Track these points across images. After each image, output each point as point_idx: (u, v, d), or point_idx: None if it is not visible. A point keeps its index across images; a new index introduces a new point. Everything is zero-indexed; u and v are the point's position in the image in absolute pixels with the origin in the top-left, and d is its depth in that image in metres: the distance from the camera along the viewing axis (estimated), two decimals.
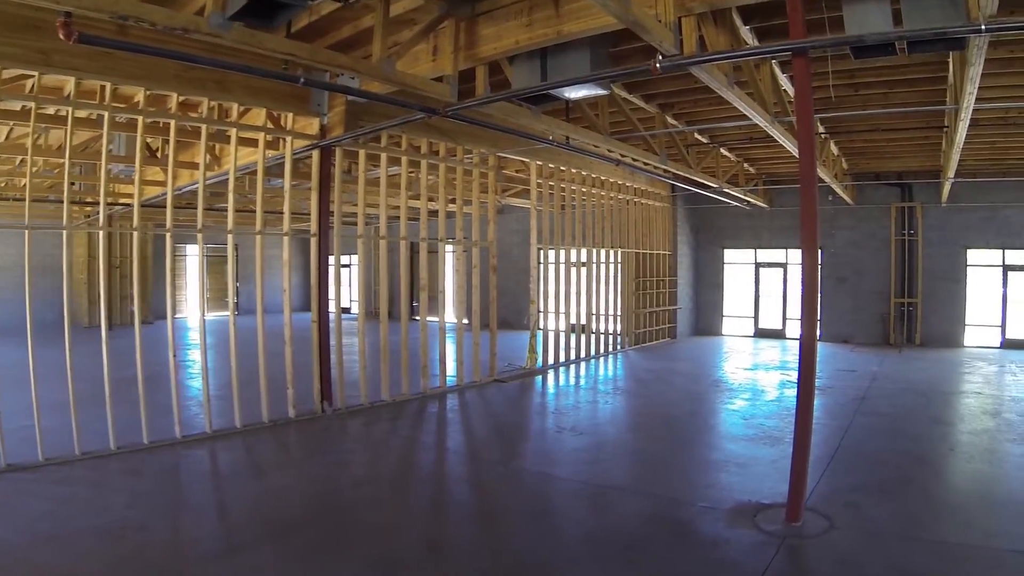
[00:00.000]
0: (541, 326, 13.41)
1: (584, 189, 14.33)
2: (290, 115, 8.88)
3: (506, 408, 9.87)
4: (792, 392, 10.40)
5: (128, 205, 17.85)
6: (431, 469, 7.17)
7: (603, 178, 14.98)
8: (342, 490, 6.25)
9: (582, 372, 13.02)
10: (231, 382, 8.27)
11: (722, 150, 13.84)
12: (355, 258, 28.96)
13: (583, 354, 14.41)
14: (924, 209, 17.16)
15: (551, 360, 13.31)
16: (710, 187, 14.51)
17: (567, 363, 13.68)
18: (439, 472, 7.04)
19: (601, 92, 6.63)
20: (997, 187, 16.06)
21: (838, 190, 14.99)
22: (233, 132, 8.71)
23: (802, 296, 5.43)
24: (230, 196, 8.81)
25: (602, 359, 14.74)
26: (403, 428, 8.62)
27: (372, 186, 12.83)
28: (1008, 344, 16.47)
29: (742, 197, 16.34)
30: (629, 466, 7.07)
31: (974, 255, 16.87)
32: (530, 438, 8.35)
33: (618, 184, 15.74)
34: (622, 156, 11.48)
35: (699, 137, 12.53)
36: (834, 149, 12.91)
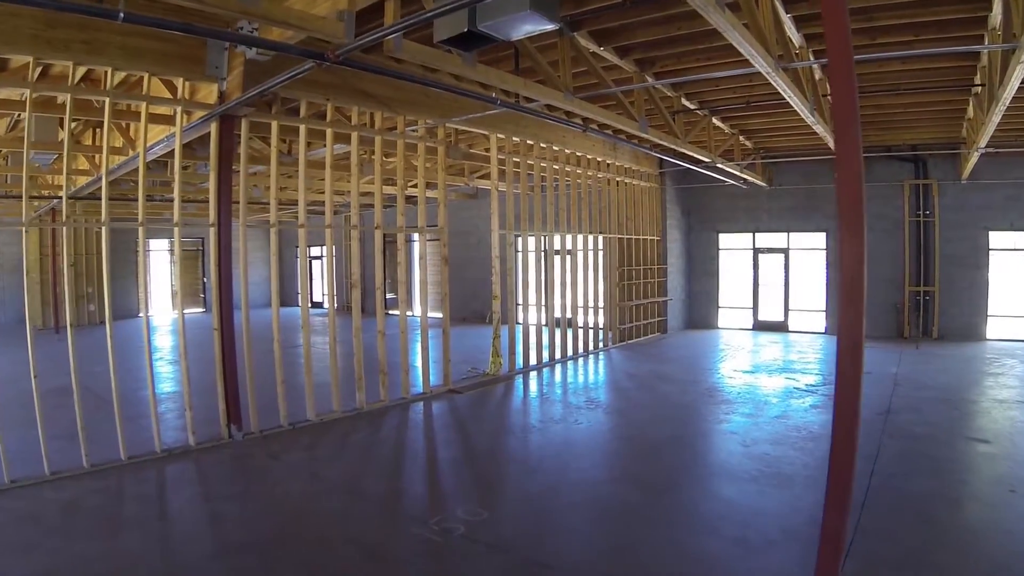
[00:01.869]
0: (520, 320, 12.05)
1: (558, 167, 12.92)
2: (182, 82, 7.43)
3: (452, 432, 8.46)
4: (801, 403, 9.15)
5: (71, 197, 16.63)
6: (328, 528, 5.37)
7: (580, 154, 13.58)
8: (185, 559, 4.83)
9: (555, 378, 11.66)
10: (149, 397, 7.14)
11: (715, 120, 12.42)
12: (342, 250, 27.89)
13: (559, 355, 13.05)
14: (940, 187, 15.86)
15: (521, 363, 11.94)
16: (702, 162, 13.10)
17: (540, 366, 12.31)
18: (335, 534, 5.25)
19: (549, 26, 5.17)
20: (1021, 162, 14.79)
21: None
22: (143, 107, 7.29)
23: (841, 295, 3.89)
24: (140, 184, 7.47)
25: (581, 360, 13.38)
26: (316, 460, 7.15)
27: (317, 168, 11.46)
28: None
29: (738, 174, 14.94)
30: (588, 527, 5.45)
31: (996, 238, 15.62)
32: (466, 478, 6.77)
33: (598, 161, 14.34)
34: (589, 122, 9.91)
35: (687, 103, 11.10)
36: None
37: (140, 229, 7.32)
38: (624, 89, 8.78)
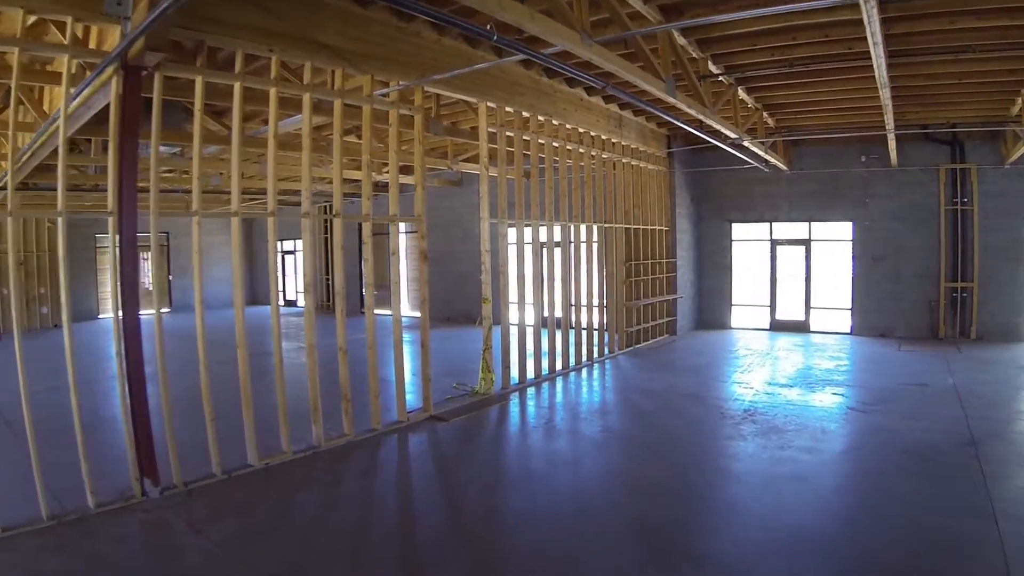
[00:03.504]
0: (515, 322, 10.37)
1: (558, 144, 11.23)
2: (71, 22, 5.65)
3: (432, 485, 6.51)
4: (866, 427, 7.46)
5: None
6: None
7: (582, 130, 11.92)
8: None
9: (557, 397, 9.93)
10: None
11: (740, 91, 10.77)
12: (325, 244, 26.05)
13: (560, 365, 11.38)
14: (980, 172, 14.40)
15: (516, 377, 10.27)
16: (725, 139, 11.40)
17: (539, 380, 10.63)
18: None
19: None
20: None
21: (890, 145, 12.09)
22: (66, 59, 5.58)
23: None
24: (60, 166, 5.73)
25: (585, 371, 11.71)
26: (250, 535, 5.25)
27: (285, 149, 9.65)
28: None
29: (762, 155, 13.25)
30: None
31: None
32: (432, 560, 4.87)
33: (602, 139, 12.68)
34: (609, 79, 8.05)
35: (713, 67, 9.45)
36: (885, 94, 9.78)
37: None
38: (649, 31, 7.11)
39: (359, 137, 9.40)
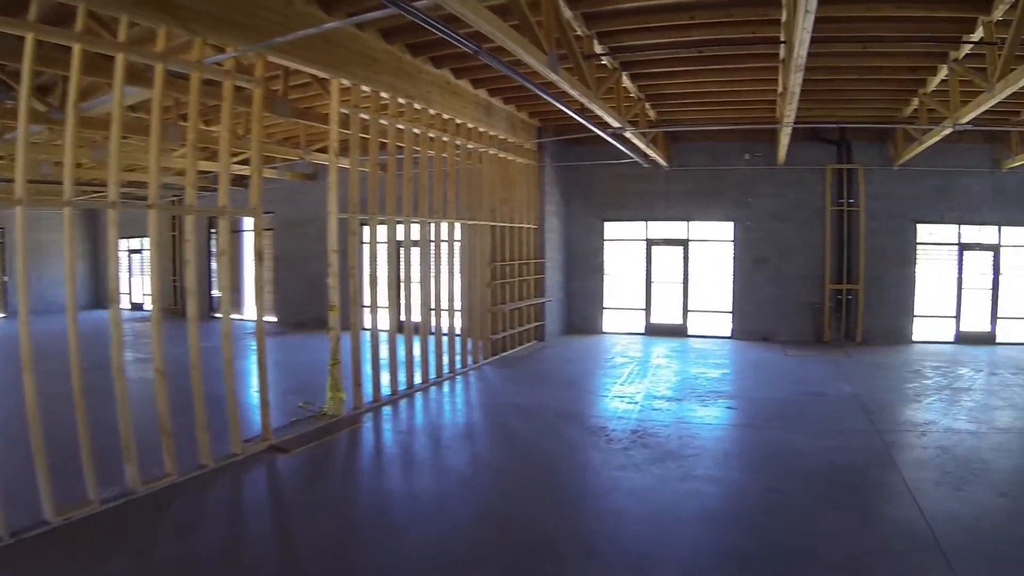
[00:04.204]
0: (370, 325, 9.63)
1: (419, 130, 10.60)
2: None
3: (258, 544, 5.44)
4: (775, 466, 7.19)
5: None
6: None
7: (447, 117, 11.38)
8: None
9: (415, 418, 9.40)
10: None
11: (625, 77, 10.51)
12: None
13: (421, 378, 10.80)
14: (867, 173, 15.17)
15: (371, 393, 9.58)
16: (608, 127, 11.08)
17: (396, 397, 10.01)
18: None
19: None
20: (954, 149, 14.29)
21: (782, 141, 12.23)
22: None
23: None
24: None
25: (447, 384, 11.20)
26: None
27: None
28: (963, 339, 15.24)
29: (643, 148, 13.14)
30: None
31: (925, 231, 15.32)
32: None
33: (468, 128, 12.20)
34: (483, 42, 7.42)
35: (599, 47, 9.13)
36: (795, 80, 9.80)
37: None
38: None
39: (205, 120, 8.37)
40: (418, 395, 10.34)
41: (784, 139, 12.21)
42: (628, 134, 11.46)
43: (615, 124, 10.63)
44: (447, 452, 7.88)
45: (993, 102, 8.20)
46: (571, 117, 10.27)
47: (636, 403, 9.89)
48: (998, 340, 15.19)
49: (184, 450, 6.71)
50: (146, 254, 23.13)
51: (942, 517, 5.55)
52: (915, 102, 11.63)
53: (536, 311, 15.51)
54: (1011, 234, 15.21)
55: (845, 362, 13.06)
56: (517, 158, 14.40)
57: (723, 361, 13.41)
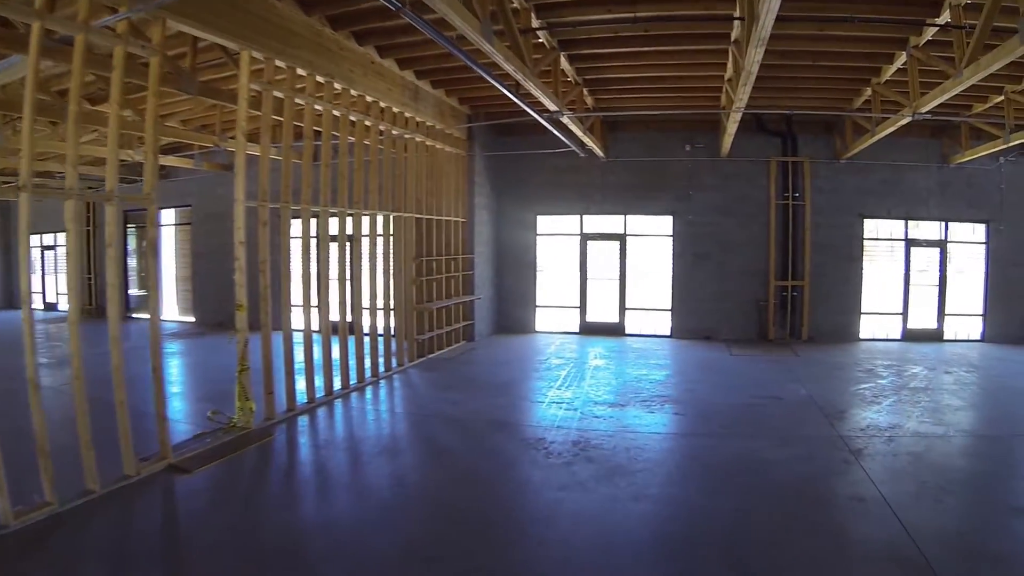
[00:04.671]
0: (282, 331, 8.84)
1: (340, 113, 9.93)
2: None
3: None
4: (738, 480, 6.70)
5: None
6: None
7: (371, 99, 10.70)
8: None
9: (333, 429, 8.70)
10: None
11: (563, 58, 10.00)
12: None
13: (341, 384, 10.13)
14: (813, 166, 15.11)
15: (285, 401, 8.85)
16: (544, 110, 10.52)
17: (313, 405, 9.29)
18: None
19: None
20: (901, 144, 14.48)
21: (729, 130, 11.95)
22: None
23: None
24: None
25: (370, 390, 10.52)
26: None
27: None
28: (910, 336, 15.41)
29: (580, 136, 12.64)
30: None
31: (872, 227, 15.43)
32: None
33: (394, 112, 11.57)
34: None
35: (536, 21, 8.61)
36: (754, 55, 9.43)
37: None
38: None
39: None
40: (338, 402, 9.62)
41: (732, 127, 11.91)
42: (565, 119, 10.94)
43: (552, 107, 10.09)
44: (367, 471, 7.13)
45: (959, 89, 8.09)
46: (503, 103, 9.76)
47: (575, 410, 9.36)
48: (945, 337, 15.40)
49: (69, 473, 5.88)
50: (60, 250, 21.89)
51: (929, 535, 5.18)
52: (867, 92, 11.51)
53: (465, 309, 14.95)
54: (957, 230, 15.44)
55: (794, 362, 12.90)
56: (446, 147, 13.79)
57: (665, 362, 13.07)
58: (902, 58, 9.45)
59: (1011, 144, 12.38)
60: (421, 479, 6.93)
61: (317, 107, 9.38)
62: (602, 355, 13.67)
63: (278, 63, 8.40)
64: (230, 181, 16.24)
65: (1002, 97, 11.45)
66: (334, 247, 10.34)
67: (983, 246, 15.45)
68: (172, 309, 19.29)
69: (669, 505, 6.08)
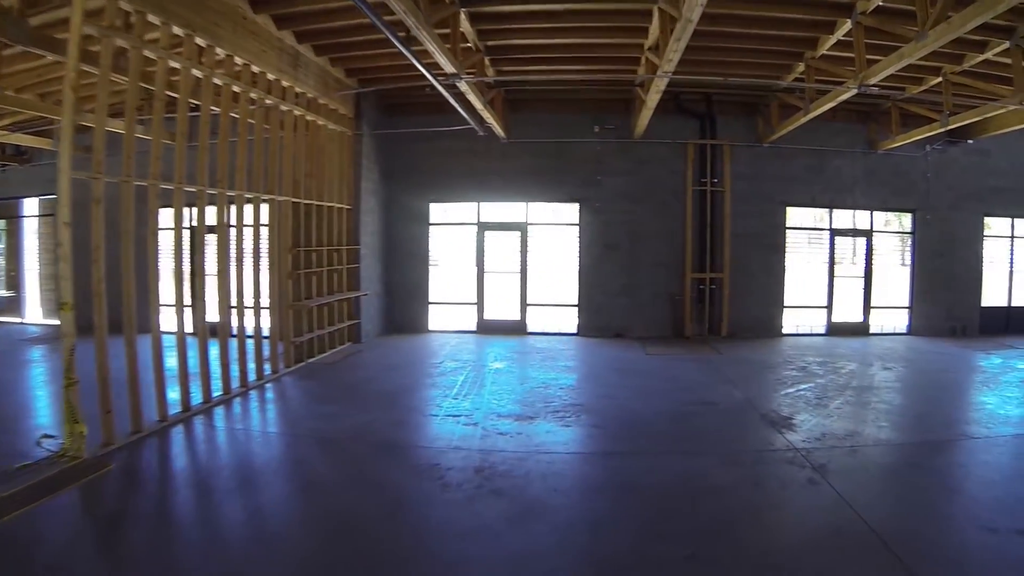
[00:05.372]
0: (127, 335, 7.39)
1: (202, 74, 8.53)
2: None
3: None
4: (693, 521, 5.59)
5: None
6: None
7: (242, 62, 9.35)
8: None
9: (184, 457, 7.23)
10: None
11: (463, 17, 8.93)
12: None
13: (202, 397, 8.74)
14: (733, 151, 14.60)
15: (130, 423, 7.37)
16: (440, 74, 9.38)
17: (165, 425, 7.84)
18: None
19: None
20: (827, 128, 14.41)
21: (649, 101, 11.24)
22: None
23: None
24: None
25: (239, 402, 9.14)
26: None
27: None
28: (835, 330, 15.31)
29: (479, 109, 11.56)
30: None
31: (795, 215, 15.34)
32: None
33: (269, 80, 10.28)
34: None
35: None
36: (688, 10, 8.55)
37: None
38: None
39: None
40: (197, 420, 8.18)
41: (654, 98, 10.97)
42: (463, 86, 9.80)
43: (449, 69, 8.93)
44: (220, 516, 5.66)
45: (922, 53, 7.71)
46: (395, 72, 8.54)
47: (476, 424, 8.20)
48: (871, 331, 15.40)
49: None
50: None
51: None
52: (800, 67, 11.01)
53: (350, 307, 13.66)
54: (884, 219, 15.57)
55: (719, 361, 12.26)
56: (329, 123, 12.48)
57: (575, 363, 12.17)
58: (846, 26, 8.95)
59: (948, 127, 12.18)
60: (283, 529, 5.42)
61: (173, 64, 7.95)
62: (503, 357, 12.65)
63: (121, 4, 6.96)
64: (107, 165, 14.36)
65: (940, 79, 11.19)
66: (190, 234, 8.93)
67: (910, 236, 15.55)
68: (36, 311, 17.20)
69: (606, 562, 4.89)
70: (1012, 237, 16.24)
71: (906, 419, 8.52)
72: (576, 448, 7.50)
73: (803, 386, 10.22)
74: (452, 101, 10.96)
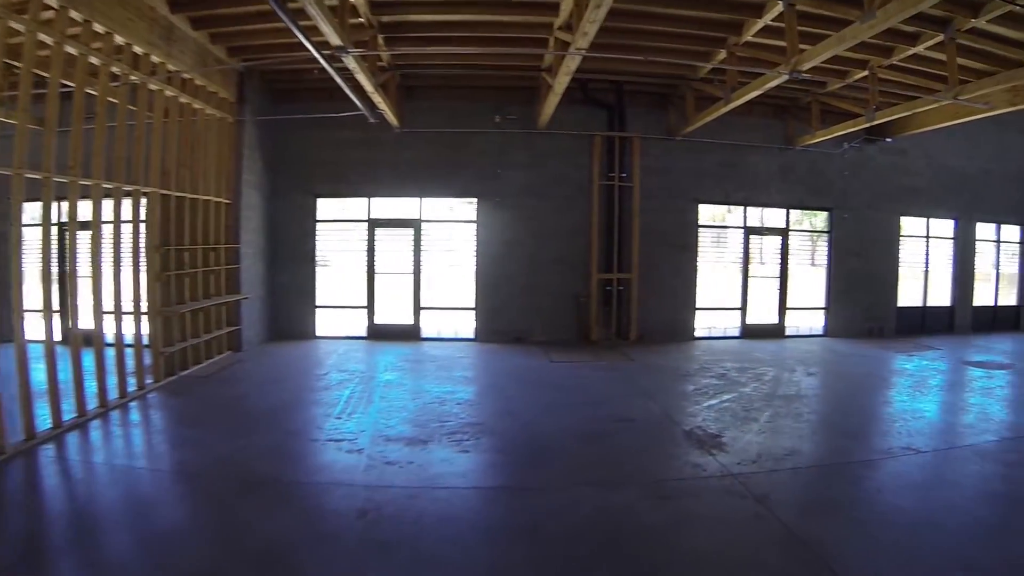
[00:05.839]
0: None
1: (52, 41, 7.48)
2: None
3: None
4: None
5: None
6: None
7: (101, 30, 8.35)
8: None
9: (7, 499, 5.98)
10: None
11: None
12: None
13: (52, 422, 7.63)
14: (644, 144, 14.26)
15: None
16: (326, 46, 8.44)
17: (5, 457, 6.63)
18: None
19: None
20: (742, 123, 14.23)
21: (556, 90, 10.77)
22: None
23: None
24: None
25: (96, 425, 8.02)
26: None
27: None
28: (749, 332, 15.24)
29: (371, 92, 10.71)
30: None
31: (708, 213, 15.28)
32: None
33: (137, 55, 9.36)
34: None
35: None
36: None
37: None
38: None
39: None
40: (44, 449, 7.06)
41: (563, 81, 10.27)
42: (350, 62, 9.00)
43: (335, 41, 8.06)
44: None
45: (869, 35, 7.56)
46: (284, 57, 7.61)
47: (361, 451, 7.25)
48: (787, 333, 15.43)
49: None
50: None
51: None
52: (721, 54, 10.68)
53: (230, 312, 12.65)
54: (799, 218, 15.77)
55: (631, 368, 11.77)
56: (207, 107, 11.53)
57: (473, 373, 11.50)
58: (776, 9, 8.69)
59: (873, 123, 12.16)
60: None
61: (15, 25, 6.80)
62: (395, 366, 11.84)
63: None
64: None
65: (866, 72, 11.09)
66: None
67: (825, 235, 15.69)
68: None
69: None
70: (927, 237, 16.69)
71: (844, 433, 8.11)
72: (476, 480, 6.68)
73: (726, 396, 9.85)
74: (339, 80, 9.97)
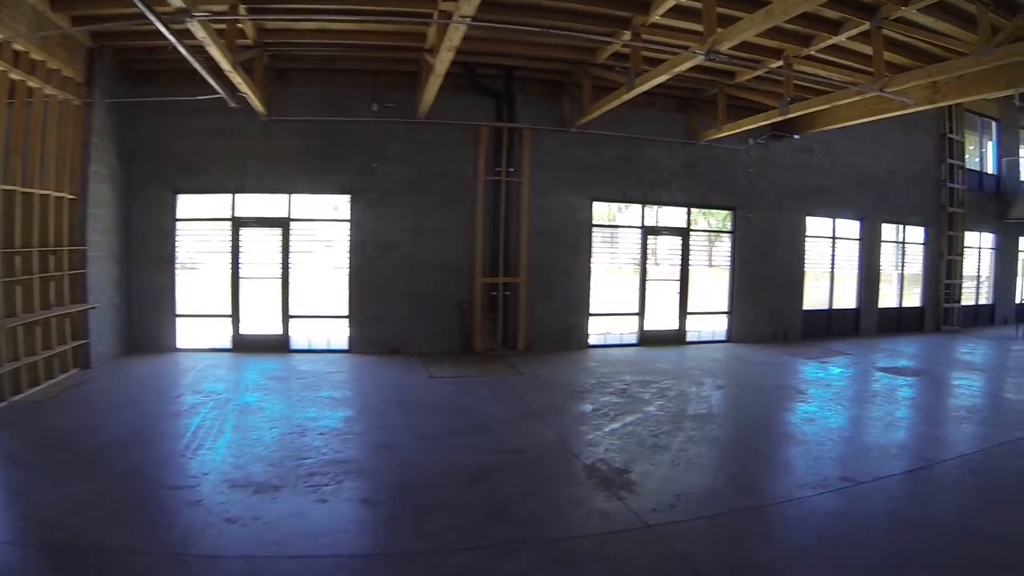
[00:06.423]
0: None
1: None
2: None
3: None
4: None
5: None
6: None
7: None
8: None
9: None
10: None
11: None
12: None
13: None
14: (535, 136, 13.80)
15: None
16: (170, 11, 7.38)
17: None
18: None
19: None
20: (642, 116, 14.01)
21: (437, 71, 9.98)
22: None
23: None
24: None
25: None
26: None
27: None
28: (647, 339, 14.93)
29: (230, 73, 9.94)
30: None
31: (603, 211, 14.99)
32: None
33: None
34: None
35: None
36: None
37: None
38: None
39: None
40: None
41: (445, 58, 9.41)
42: (197, 30, 7.94)
43: (177, 2, 7.10)
44: None
45: (803, 8, 7.24)
46: (136, 30, 6.48)
47: (200, 502, 6.12)
48: (688, 339, 15.28)
49: None
50: None
51: None
52: (626, 35, 10.16)
53: (75, 325, 11.50)
54: (700, 217, 15.58)
55: (519, 384, 11.15)
56: (47, 87, 10.47)
57: (343, 393, 10.71)
58: None
59: (788, 116, 11.98)
60: None
61: None
62: (256, 385, 10.87)
63: None
64: None
65: (780, 63, 10.92)
66: None
67: (729, 236, 15.62)
68: None
69: None
70: (833, 238, 16.85)
71: (771, 462, 7.62)
72: (335, 546, 5.42)
73: (630, 418, 9.24)
74: (185, 54, 8.94)
